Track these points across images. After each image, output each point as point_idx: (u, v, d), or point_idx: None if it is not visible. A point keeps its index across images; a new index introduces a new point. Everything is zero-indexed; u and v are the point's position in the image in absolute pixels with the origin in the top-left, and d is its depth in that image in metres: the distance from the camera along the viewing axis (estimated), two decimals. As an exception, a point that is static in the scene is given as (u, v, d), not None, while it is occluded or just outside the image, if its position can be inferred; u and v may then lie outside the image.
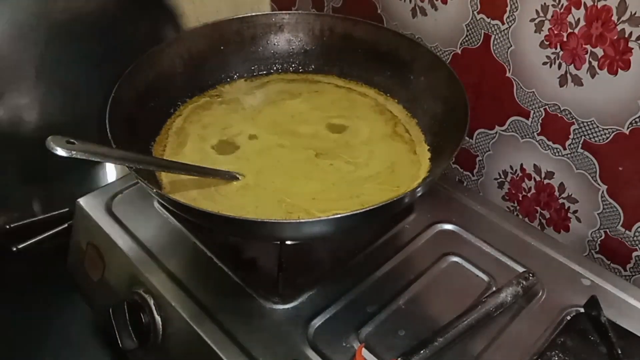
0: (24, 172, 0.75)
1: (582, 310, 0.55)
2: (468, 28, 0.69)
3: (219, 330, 0.52)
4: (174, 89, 0.69)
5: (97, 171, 0.79)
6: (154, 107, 0.65)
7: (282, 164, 0.62)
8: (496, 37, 0.66)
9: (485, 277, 0.58)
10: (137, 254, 0.60)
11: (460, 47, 0.71)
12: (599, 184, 0.64)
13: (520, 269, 0.58)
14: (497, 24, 0.66)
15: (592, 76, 0.59)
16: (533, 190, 0.72)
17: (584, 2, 0.57)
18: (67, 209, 0.79)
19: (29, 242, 0.74)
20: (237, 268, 0.58)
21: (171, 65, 0.68)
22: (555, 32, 0.61)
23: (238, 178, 0.59)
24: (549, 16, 0.60)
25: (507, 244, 0.62)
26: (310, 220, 0.52)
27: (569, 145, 0.65)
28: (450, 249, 0.61)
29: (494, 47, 0.67)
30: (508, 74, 0.67)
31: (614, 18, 0.55)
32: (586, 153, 0.64)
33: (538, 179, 0.71)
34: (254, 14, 0.73)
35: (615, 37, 0.56)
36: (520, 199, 0.75)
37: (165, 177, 0.60)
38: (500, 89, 0.69)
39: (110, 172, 0.79)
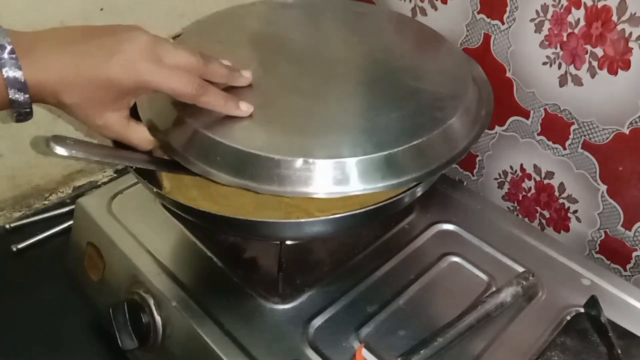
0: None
1: (582, 310, 0.55)
2: (468, 28, 0.69)
3: (219, 330, 0.52)
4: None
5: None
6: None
7: (282, 164, 0.62)
8: (496, 37, 0.66)
9: (485, 277, 0.58)
10: (137, 254, 0.60)
11: (460, 47, 0.71)
12: (599, 184, 0.64)
13: (520, 269, 0.58)
14: (497, 24, 0.66)
15: (592, 76, 0.59)
16: (533, 190, 0.72)
17: (584, 2, 0.57)
18: (67, 209, 0.79)
19: (29, 242, 0.74)
20: (237, 268, 0.58)
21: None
22: (555, 32, 0.61)
23: (238, 178, 0.59)
24: (549, 16, 0.60)
25: (507, 244, 0.62)
26: (310, 220, 0.52)
27: (569, 145, 0.65)
28: (450, 249, 0.61)
29: (494, 47, 0.67)
30: (508, 74, 0.67)
31: (614, 18, 0.55)
32: (586, 153, 0.64)
33: (538, 179, 0.71)
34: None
35: (615, 37, 0.56)
36: (520, 199, 0.75)
37: (165, 177, 0.60)
38: (500, 89, 0.69)
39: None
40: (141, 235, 0.62)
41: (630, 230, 0.64)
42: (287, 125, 0.50)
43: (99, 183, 0.86)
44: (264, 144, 0.46)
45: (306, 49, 0.61)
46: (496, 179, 0.77)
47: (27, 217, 0.79)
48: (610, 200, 0.64)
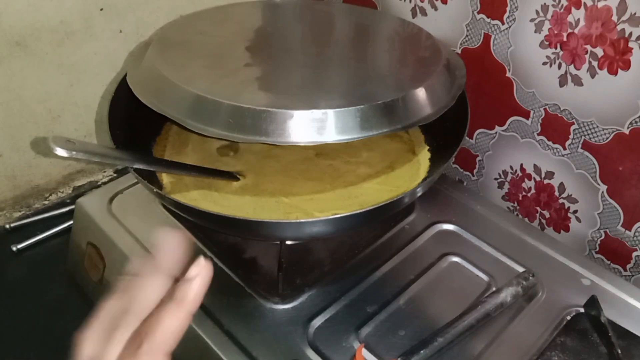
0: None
1: (582, 310, 0.55)
2: (468, 28, 0.69)
3: (219, 330, 0.52)
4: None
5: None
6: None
7: (282, 164, 0.62)
8: (496, 37, 0.66)
9: (485, 277, 0.58)
10: (137, 254, 0.60)
11: (460, 47, 0.71)
12: (599, 184, 0.64)
13: (520, 269, 0.58)
14: (497, 24, 0.66)
15: (592, 76, 0.59)
16: (533, 190, 0.72)
17: (584, 2, 0.57)
18: (67, 209, 0.79)
19: (29, 242, 0.74)
20: (237, 268, 0.58)
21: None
22: (555, 32, 0.61)
23: (238, 178, 0.59)
24: (549, 16, 0.60)
25: (507, 244, 0.62)
26: (310, 220, 0.52)
27: (569, 145, 0.65)
28: (450, 249, 0.61)
29: (494, 47, 0.67)
30: (508, 74, 0.67)
31: (614, 18, 0.55)
32: (586, 153, 0.64)
33: (538, 179, 0.71)
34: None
35: (615, 37, 0.56)
36: (520, 199, 0.75)
37: (165, 177, 0.60)
38: (500, 89, 0.69)
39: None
40: (141, 235, 0.62)
41: (630, 230, 0.64)
42: (275, 88, 0.54)
43: (99, 183, 0.86)
44: (253, 100, 0.49)
45: (291, 37, 0.64)
46: (496, 179, 0.77)
47: (27, 217, 0.79)
48: (610, 200, 0.64)
